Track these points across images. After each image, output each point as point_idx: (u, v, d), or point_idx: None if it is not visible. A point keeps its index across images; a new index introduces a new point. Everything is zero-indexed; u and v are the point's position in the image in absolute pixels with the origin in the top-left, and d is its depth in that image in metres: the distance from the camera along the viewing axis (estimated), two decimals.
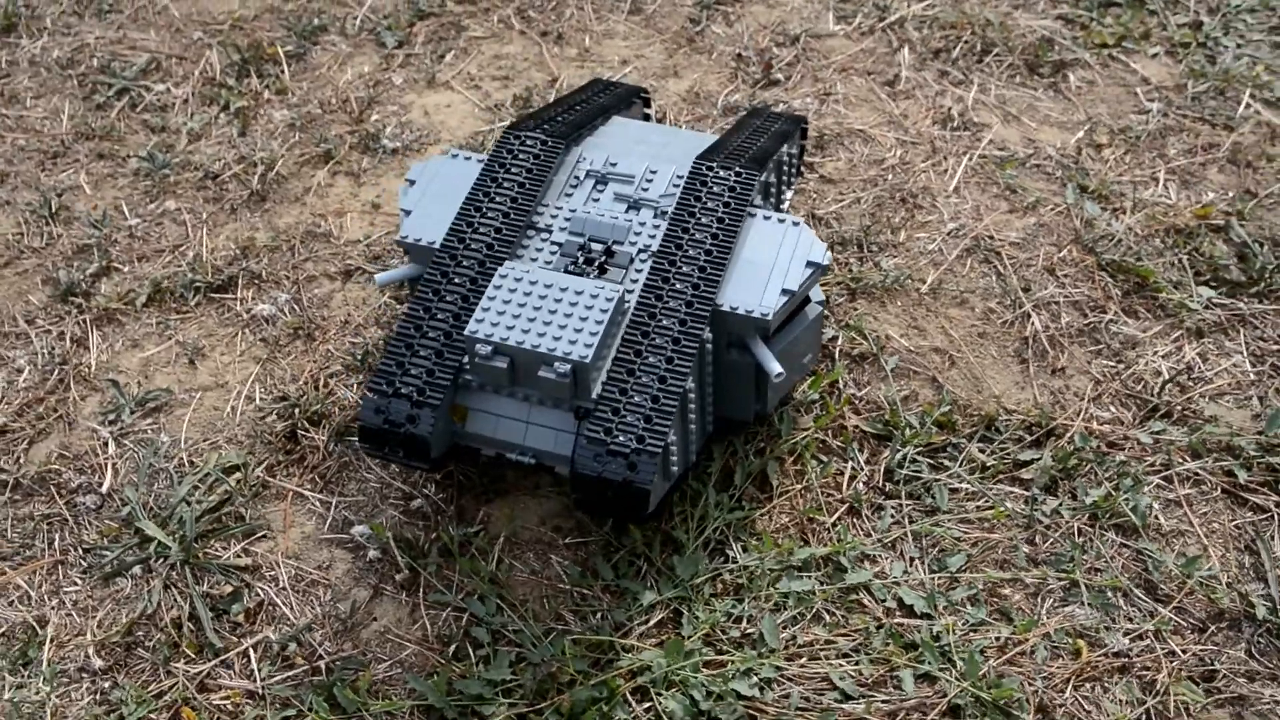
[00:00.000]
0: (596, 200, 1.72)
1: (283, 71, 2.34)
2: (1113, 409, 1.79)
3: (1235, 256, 1.99)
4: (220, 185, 2.13)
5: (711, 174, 1.70)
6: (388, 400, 1.51)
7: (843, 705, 1.48)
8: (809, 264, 1.65)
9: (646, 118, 2.07)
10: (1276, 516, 1.66)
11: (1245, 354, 1.86)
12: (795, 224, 1.70)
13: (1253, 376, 1.83)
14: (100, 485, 1.71)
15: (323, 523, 1.68)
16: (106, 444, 1.76)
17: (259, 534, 1.66)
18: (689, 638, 1.54)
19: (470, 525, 1.66)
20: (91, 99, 2.30)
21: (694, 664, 1.51)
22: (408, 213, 1.70)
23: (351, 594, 1.60)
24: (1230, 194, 2.09)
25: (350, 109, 2.25)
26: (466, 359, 1.54)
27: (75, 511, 1.69)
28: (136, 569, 1.63)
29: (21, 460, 1.75)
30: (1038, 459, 1.72)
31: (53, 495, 1.71)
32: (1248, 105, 2.25)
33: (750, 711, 1.48)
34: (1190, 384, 1.81)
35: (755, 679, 1.51)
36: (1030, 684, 1.49)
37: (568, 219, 1.69)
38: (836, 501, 1.69)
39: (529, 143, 1.75)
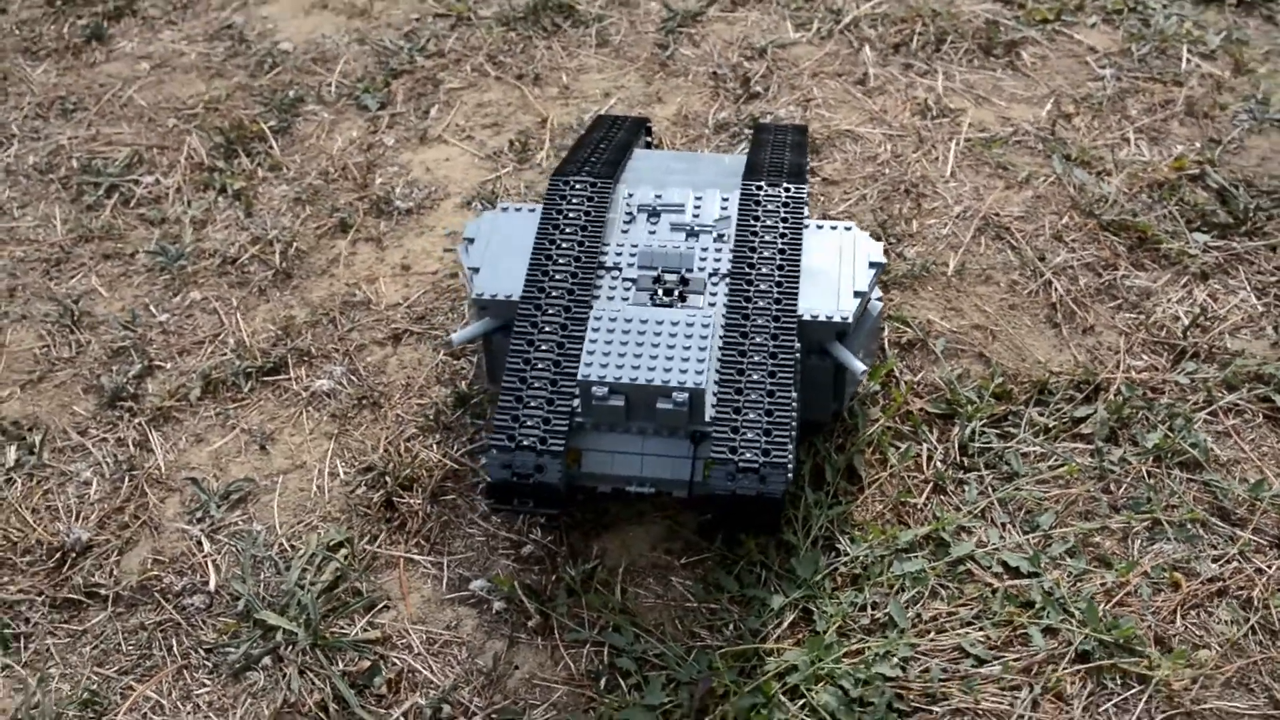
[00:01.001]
0: (654, 233, 1.78)
1: (271, 147, 2.34)
2: (1145, 357, 1.92)
3: (1218, 201, 2.14)
4: (241, 268, 2.13)
5: (762, 193, 1.78)
6: (511, 454, 1.55)
7: (979, 670, 1.58)
8: (871, 264, 1.74)
9: (649, 145, 2.14)
10: None
11: (1249, 289, 2.01)
12: (848, 228, 1.79)
13: (1260, 309, 1.98)
14: (206, 584, 1.71)
15: (439, 584, 1.71)
16: (200, 543, 1.76)
17: (380, 605, 1.68)
18: (824, 632, 1.62)
19: (586, 561, 1.71)
20: (80, 200, 2.27)
21: (835, 656, 1.59)
22: (476, 270, 1.74)
23: (487, 647, 1.64)
24: (1197, 144, 2.25)
25: (352, 175, 2.27)
26: (578, 403, 1.59)
27: (186, 614, 1.69)
28: (266, 660, 1.63)
29: (115, 572, 1.74)
30: (1092, 413, 1.84)
31: (158, 602, 1.70)
32: (1188, 60, 2.42)
33: (897, 690, 1.56)
34: (1208, 324, 1.95)
35: (895, 660, 1.59)
36: (1143, 620, 1.61)
37: (634, 254, 1.75)
38: (921, 482, 1.78)
39: (578, 186, 1.80)
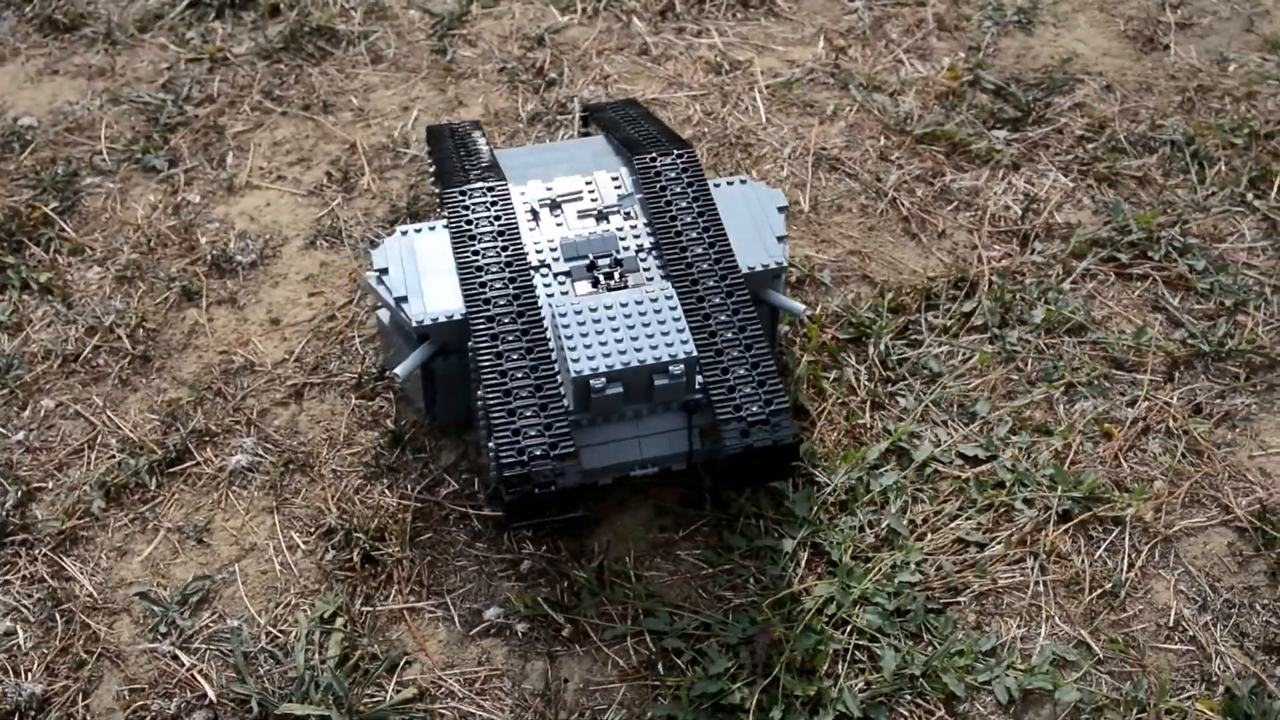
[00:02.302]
0: (562, 224, 1.77)
1: (64, 230, 2.12)
2: (997, 247, 2.10)
3: (1000, 99, 2.36)
4: (88, 364, 1.92)
5: (659, 163, 1.81)
6: (525, 469, 1.51)
7: (984, 554, 1.70)
8: (779, 209, 1.81)
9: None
10: (1156, 276, 2.05)
11: (1055, 169, 2.24)
12: (743, 181, 1.85)
13: (1070, 185, 2.21)
14: (203, 698, 1.56)
15: (452, 624, 1.64)
16: (176, 657, 1.59)
17: (402, 662, 1.60)
18: (840, 560, 1.68)
19: (590, 560, 1.69)
20: None
21: (859, 578, 1.66)
22: (404, 299, 1.67)
23: (529, 670, 1.59)
24: (960, 54, 2.47)
25: (171, 240, 2.10)
26: (568, 401, 1.56)
27: None
28: None
29: (89, 719, 1.55)
30: (978, 306, 2.00)
31: None
32: None
33: (925, 591, 1.65)
34: (1037, 206, 2.16)
35: (911, 566, 1.69)
36: (1096, 471, 1.78)
37: (554, 248, 1.73)
38: (860, 404, 1.88)
39: (476, 194, 1.76)
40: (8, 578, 1.68)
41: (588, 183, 1.84)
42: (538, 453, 1.52)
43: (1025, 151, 2.27)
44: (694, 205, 1.77)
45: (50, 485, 1.78)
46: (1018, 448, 1.82)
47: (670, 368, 1.55)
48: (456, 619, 1.65)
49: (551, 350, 1.60)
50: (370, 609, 1.65)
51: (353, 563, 1.68)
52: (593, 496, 1.71)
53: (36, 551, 1.70)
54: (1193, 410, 1.86)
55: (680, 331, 1.57)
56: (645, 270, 1.72)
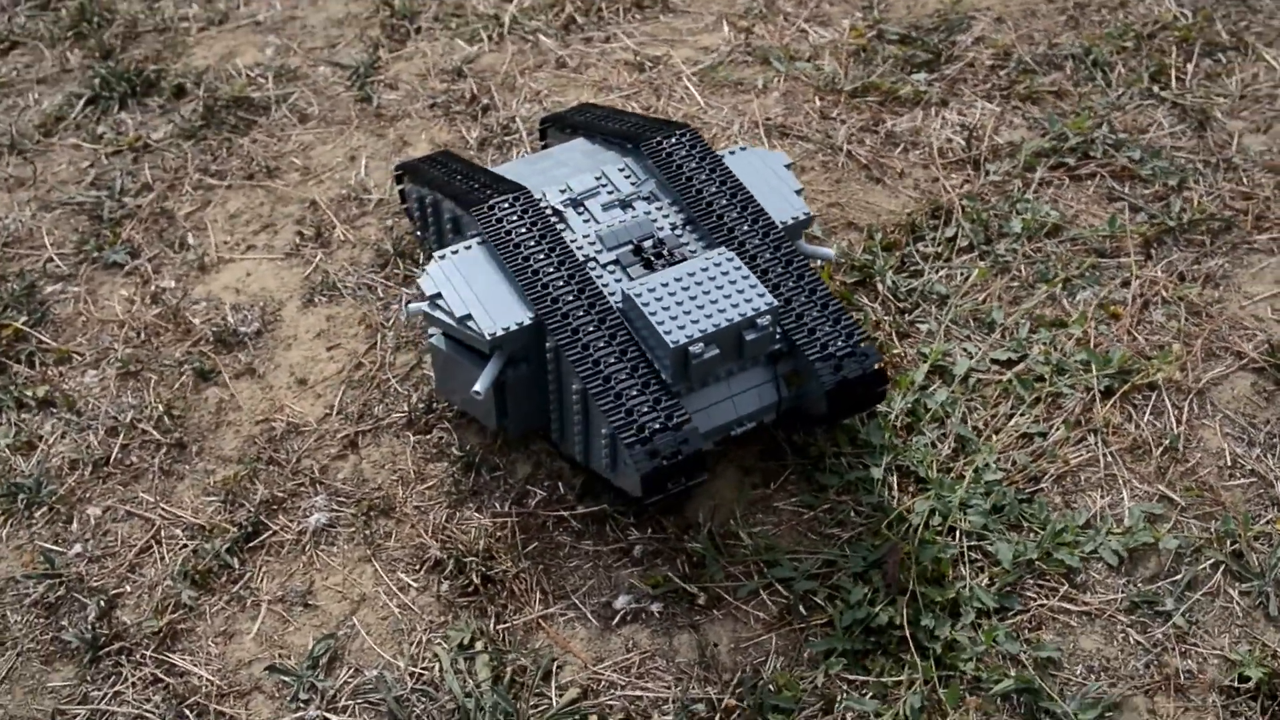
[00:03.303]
0: (590, 220, 1.81)
1: (43, 341, 2.02)
2: (955, 176, 2.24)
3: (908, 46, 2.52)
4: (121, 464, 1.85)
5: (665, 145, 1.87)
6: (650, 443, 1.54)
7: (1048, 441, 1.81)
8: (786, 166, 1.90)
9: None
10: (1102, 173, 2.22)
11: (979, 99, 2.40)
12: (744, 148, 1.93)
13: (998, 110, 2.37)
14: None
15: (589, 620, 1.65)
16: (326, 718, 1.56)
17: (554, 667, 1.60)
18: (928, 476, 1.77)
19: (698, 530, 1.72)
20: None
21: (951, 487, 1.75)
22: (468, 316, 1.67)
23: (679, 645, 1.62)
24: (857, 14, 2.62)
25: (163, 329, 2.03)
26: (667, 375, 1.60)
27: None
28: None
29: None
30: (959, 229, 2.13)
31: None
32: None
33: (1011, 485, 1.75)
34: (977, 134, 2.31)
35: (991, 466, 1.78)
36: (1118, 343, 1.92)
37: (594, 241, 1.77)
38: (887, 336, 1.97)
39: (504, 206, 1.78)
40: (118, 688, 1.60)
41: (597, 178, 1.88)
42: (656, 426, 1.56)
43: (948, 88, 2.42)
44: (714, 176, 1.83)
45: (128, 589, 1.71)
46: (1043, 343, 1.94)
47: (757, 320, 1.61)
48: (590, 615, 1.66)
49: (630, 334, 1.64)
50: (505, 625, 1.64)
51: (472, 586, 1.67)
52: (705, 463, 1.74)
53: (139, 655, 1.63)
54: (1178, 279, 2.03)
55: (754, 287, 1.63)
56: (687, 245, 1.78)
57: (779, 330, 1.66)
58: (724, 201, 1.80)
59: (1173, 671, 1.57)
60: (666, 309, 1.61)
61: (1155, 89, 2.39)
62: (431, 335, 1.76)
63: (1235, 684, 1.55)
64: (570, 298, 1.67)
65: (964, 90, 2.42)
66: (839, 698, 1.55)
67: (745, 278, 1.64)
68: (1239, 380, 1.89)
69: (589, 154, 1.98)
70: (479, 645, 1.62)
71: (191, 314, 2.06)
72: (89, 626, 1.65)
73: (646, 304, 1.62)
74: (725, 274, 1.65)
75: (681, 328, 1.59)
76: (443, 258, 1.76)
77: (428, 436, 1.87)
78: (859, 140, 2.32)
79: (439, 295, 1.71)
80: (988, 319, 1.99)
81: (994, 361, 1.93)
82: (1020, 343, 1.95)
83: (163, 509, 1.79)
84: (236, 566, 1.72)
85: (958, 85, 2.43)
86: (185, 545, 1.75)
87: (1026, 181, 2.22)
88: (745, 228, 1.77)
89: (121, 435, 1.88)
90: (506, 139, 2.36)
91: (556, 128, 2.17)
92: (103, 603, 1.68)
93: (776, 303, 1.62)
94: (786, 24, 2.61)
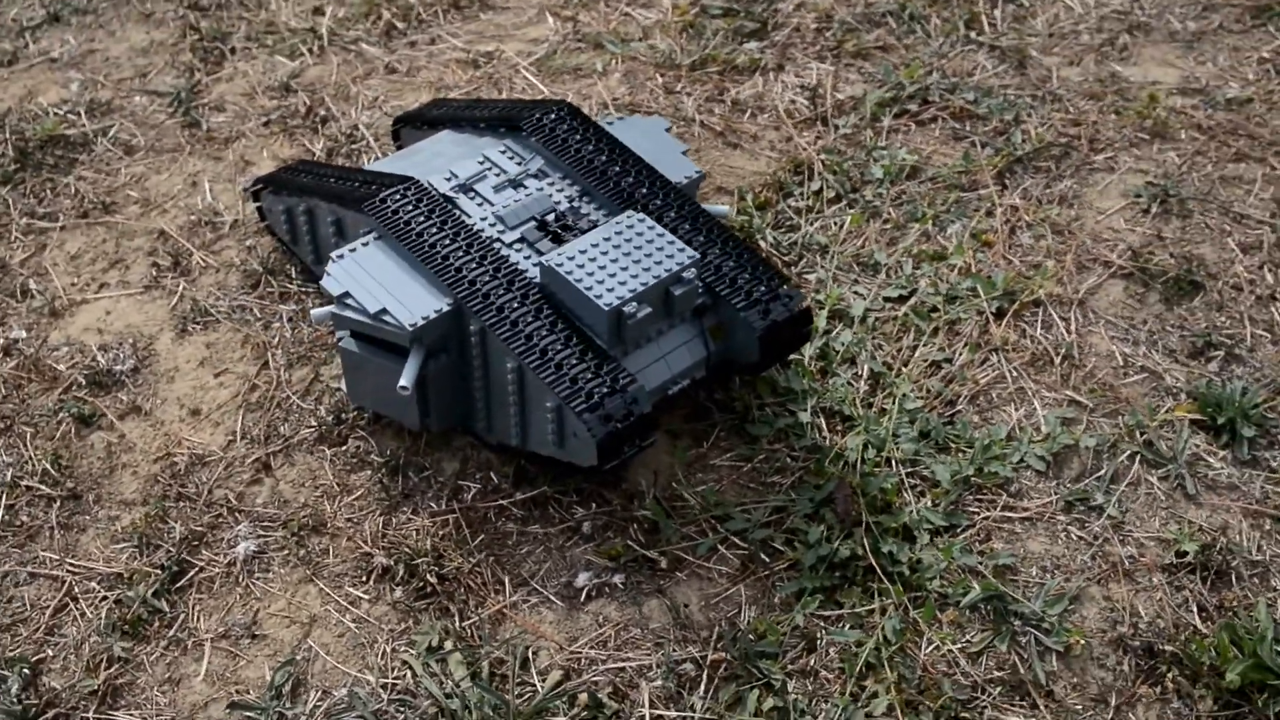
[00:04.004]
0: (484, 202, 1.77)
1: None
2: (807, 133, 2.30)
3: (733, 18, 2.57)
4: (13, 525, 1.69)
5: (546, 121, 1.85)
6: (599, 406, 1.52)
7: (955, 366, 1.88)
8: (666, 130, 1.91)
9: None
10: (942, 115, 2.32)
11: (812, 60, 2.47)
12: (621, 117, 1.93)
13: (831, 68, 2.45)
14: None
15: (553, 603, 1.61)
16: None
17: (529, 654, 1.55)
18: (854, 414, 1.81)
19: (644, 498, 1.71)
20: None
21: (875, 420, 1.79)
22: (384, 310, 1.61)
23: (649, 611, 1.60)
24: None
25: (25, 380, 1.87)
26: (600, 341, 1.58)
27: None
28: None
29: None
30: (825, 181, 2.19)
31: None
32: None
33: (931, 411, 1.81)
34: (819, 93, 2.38)
35: (910, 396, 1.84)
36: (997, 268, 2.01)
37: (495, 222, 1.74)
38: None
39: (396, 198, 1.72)
40: None
41: (480, 162, 1.85)
42: (605, 390, 1.53)
43: (780, 53, 2.48)
44: (601, 146, 1.82)
45: (51, 653, 1.56)
46: (928, 276, 2.02)
47: (683, 275, 1.61)
48: (554, 597, 1.62)
49: (553, 307, 1.61)
50: (470, 621, 1.58)
51: (427, 587, 1.61)
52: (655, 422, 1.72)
53: (79, 718, 1.49)
54: (1036, 203, 2.14)
55: (672, 243, 1.63)
56: (588, 215, 1.76)
57: (701, 284, 1.66)
58: (617, 169, 1.79)
59: (1117, 559, 1.65)
60: (591, 274, 1.59)
61: (972, 35, 2.52)
62: (340, 338, 1.69)
63: (1174, 561, 1.64)
64: (487, 278, 1.63)
65: (796, 54, 2.49)
66: (819, 635, 1.56)
67: (661, 235, 1.64)
68: (1112, 287, 2.00)
69: (461, 143, 1.93)
70: (448, 645, 1.55)
71: (54, 361, 1.90)
72: (14, 699, 1.50)
73: (570, 272, 1.59)
74: (640, 234, 1.64)
75: (611, 290, 1.57)
76: (341, 257, 1.69)
77: (343, 448, 1.78)
78: (708, 110, 2.35)
79: (347, 295, 1.64)
80: (871, 261, 2.05)
81: (886, 299, 1.99)
82: (907, 279, 2.01)
83: (70, 564, 1.65)
84: (168, 610, 1.60)
85: (789, 50, 2.50)
86: (105, 597, 1.61)
87: (876, 130, 2.30)
88: (644, 191, 1.77)
89: (4, 495, 1.72)
90: (354, 147, 2.28)
91: (412, 126, 2.12)
92: (25, 671, 1.53)
93: (699, 256, 1.63)
94: (610, 10, 2.63)
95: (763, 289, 1.66)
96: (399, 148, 2.19)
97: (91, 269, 2.06)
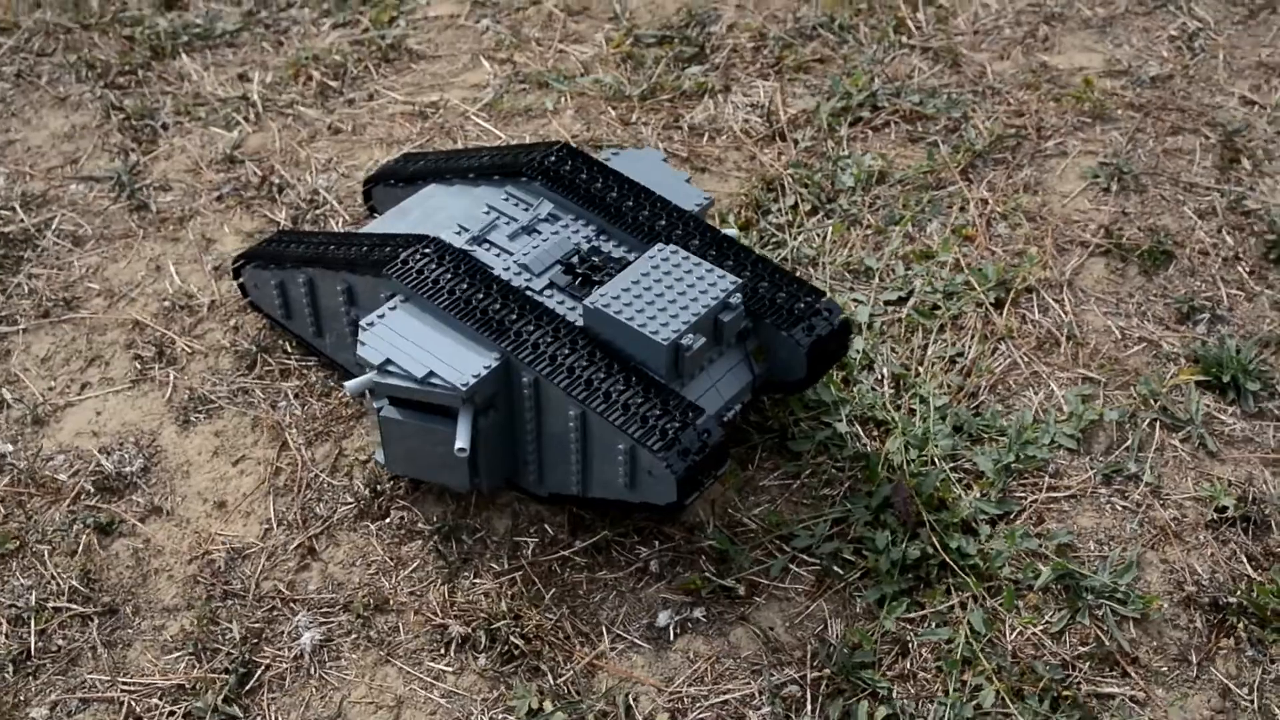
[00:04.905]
0: (501, 253, 1.75)
1: None
2: (769, 150, 2.33)
3: (669, 46, 2.59)
4: (49, 652, 1.59)
5: (548, 164, 1.83)
6: (675, 441, 1.51)
7: (967, 358, 1.93)
8: (663, 160, 1.91)
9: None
10: (894, 120, 2.38)
11: (757, 78, 2.50)
12: (617, 152, 1.92)
13: (777, 85, 2.49)
14: None
15: (640, 647, 1.59)
16: None
17: (631, 701, 1.53)
18: (888, 417, 1.83)
19: (704, 529, 1.70)
20: None
21: (908, 420, 1.83)
22: (431, 373, 1.57)
23: (736, 639, 1.60)
24: (606, 27, 2.67)
25: (26, 495, 1.76)
26: (659, 374, 1.57)
27: None
28: None
29: None
30: (799, 195, 2.22)
31: None
32: None
33: (959, 405, 1.85)
34: (772, 109, 2.42)
35: (935, 393, 1.87)
36: (984, 260, 2.07)
37: (521, 270, 1.71)
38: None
39: (417, 259, 1.68)
40: None
41: (486, 213, 1.82)
42: (677, 425, 1.52)
43: (724, 75, 2.51)
44: (611, 182, 1.82)
45: None
46: (921, 276, 2.06)
47: (729, 300, 1.61)
48: (640, 640, 1.60)
49: (601, 348, 1.59)
50: (563, 678, 1.55)
51: (514, 650, 1.57)
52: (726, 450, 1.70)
53: None
54: (1004, 194, 2.21)
55: (710, 271, 1.63)
56: (612, 253, 1.75)
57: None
58: (630, 203, 1.79)
59: (1164, 523, 1.71)
60: (641, 310, 1.58)
61: (903, 39, 2.59)
62: (379, 408, 1.64)
63: (1216, 517, 1.71)
64: (531, 328, 1.61)
65: (739, 74, 2.52)
66: (909, 637, 1.58)
67: (699, 264, 1.64)
68: (1093, 265, 2.08)
69: (456, 195, 1.90)
70: (548, 706, 1.52)
71: (52, 471, 1.80)
72: None
73: (620, 312, 1.58)
74: (678, 266, 1.64)
75: (665, 324, 1.57)
76: (372, 325, 1.64)
77: (387, 520, 1.73)
78: (667, 137, 2.36)
79: (389, 362, 1.59)
80: (863, 267, 2.08)
81: (887, 303, 2.03)
82: (902, 280, 2.06)
83: (123, 684, 1.56)
84: (243, 716, 1.52)
85: (731, 70, 2.53)
86: (171, 713, 1.52)
87: (836, 140, 2.34)
88: (663, 222, 1.77)
89: (32, 621, 1.62)
90: (318, 213, 2.22)
91: (385, 185, 2.07)
92: None
93: (741, 280, 1.63)
94: (543, 48, 2.62)
95: (802, 305, 1.68)
96: (370, 207, 2.15)
97: (67, 370, 1.95)
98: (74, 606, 1.64)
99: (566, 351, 1.58)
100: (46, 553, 1.70)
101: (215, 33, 2.69)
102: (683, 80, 2.49)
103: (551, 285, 1.71)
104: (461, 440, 1.56)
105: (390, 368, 1.59)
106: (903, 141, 2.35)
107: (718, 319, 1.61)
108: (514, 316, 1.62)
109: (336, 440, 1.83)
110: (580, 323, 1.63)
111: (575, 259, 1.73)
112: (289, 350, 1.96)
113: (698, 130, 2.38)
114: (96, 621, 1.63)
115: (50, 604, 1.64)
